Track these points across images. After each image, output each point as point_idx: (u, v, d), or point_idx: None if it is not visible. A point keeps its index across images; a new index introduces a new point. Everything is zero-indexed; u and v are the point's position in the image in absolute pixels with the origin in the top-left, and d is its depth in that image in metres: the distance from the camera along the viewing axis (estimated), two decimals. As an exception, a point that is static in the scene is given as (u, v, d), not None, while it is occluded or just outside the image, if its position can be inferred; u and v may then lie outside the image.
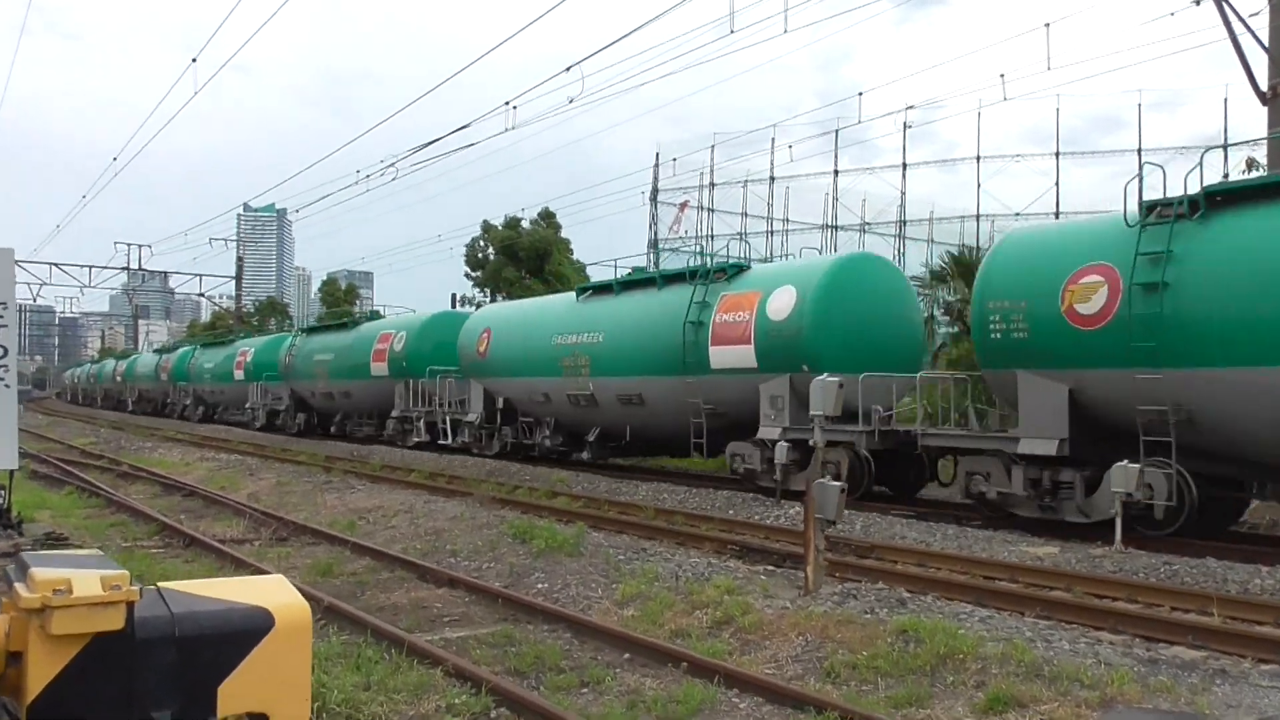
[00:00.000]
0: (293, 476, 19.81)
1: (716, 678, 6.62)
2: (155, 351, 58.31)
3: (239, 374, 39.43)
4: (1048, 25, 25.90)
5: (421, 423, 26.56)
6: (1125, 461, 11.84)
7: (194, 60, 21.78)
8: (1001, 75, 33.43)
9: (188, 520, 14.29)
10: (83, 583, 2.16)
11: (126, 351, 75.01)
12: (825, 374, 10.28)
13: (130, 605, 2.21)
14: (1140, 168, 16.87)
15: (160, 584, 2.43)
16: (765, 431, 16.30)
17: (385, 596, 9.44)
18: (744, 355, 16.82)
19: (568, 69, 16.57)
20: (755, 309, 16.75)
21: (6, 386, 4.16)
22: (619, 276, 21.77)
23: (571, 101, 18.15)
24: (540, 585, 9.82)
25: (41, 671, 2.13)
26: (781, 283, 16.80)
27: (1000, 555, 11.36)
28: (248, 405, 38.37)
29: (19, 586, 2.22)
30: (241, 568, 10.30)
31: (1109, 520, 12.34)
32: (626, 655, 7.41)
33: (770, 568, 10.83)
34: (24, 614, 2.16)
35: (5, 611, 2.31)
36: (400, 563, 10.77)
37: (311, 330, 37.36)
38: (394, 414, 28.05)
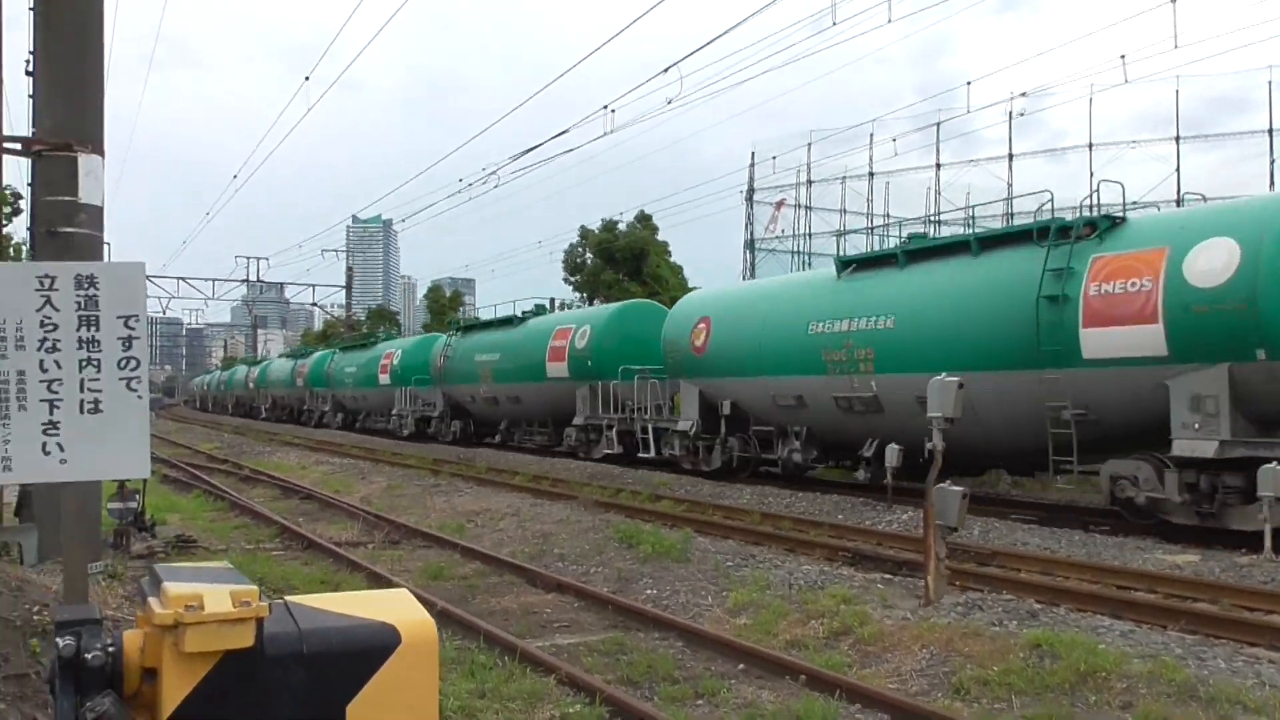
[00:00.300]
0: (402, 479, 20.25)
1: (838, 692, 6.36)
2: (289, 356, 55.86)
3: (384, 378, 36.19)
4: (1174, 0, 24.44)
5: (614, 432, 22.58)
6: (1276, 463, 11.04)
7: (307, 78, 22.59)
8: (1123, 56, 31.91)
9: (305, 523, 14.71)
10: (214, 598, 2.11)
11: (254, 358, 74.35)
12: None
13: (260, 621, 2.15)
14: (1271, 149, 15.25)
15: (289, 598, 2.37)
16: (1185, 446, 11.97)
17: (495, 601, 9.47)
18: (1144, 338, 12.44)
19: (665, 70, 16.47)
20: (1161, 273, 12.34)
21: (139, 397, 4.25)
22: (901, 244, 17.04)
23: (670, 103, 18.05)
24: (649, 591, 9.71)
25: (175, 690, 2.09)
26: (1208, 234, 12.14)
27: (1134, 564, 10.72)
28: (394, 412, 35.18)
29: (152, 601, 2.19)
30: (357, 571, 10.49)
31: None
32: (741, 666, 7.22)
33: (886, 575, 10.46)
34: (158, 630, 2.12)
35: (140, 626, 2.29)
36: (509, 567, 10.81)
37: (468, 328, 32.07)
38: (576, 421, 24.34)
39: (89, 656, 2.11)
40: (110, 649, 2.16)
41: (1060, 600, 8.94)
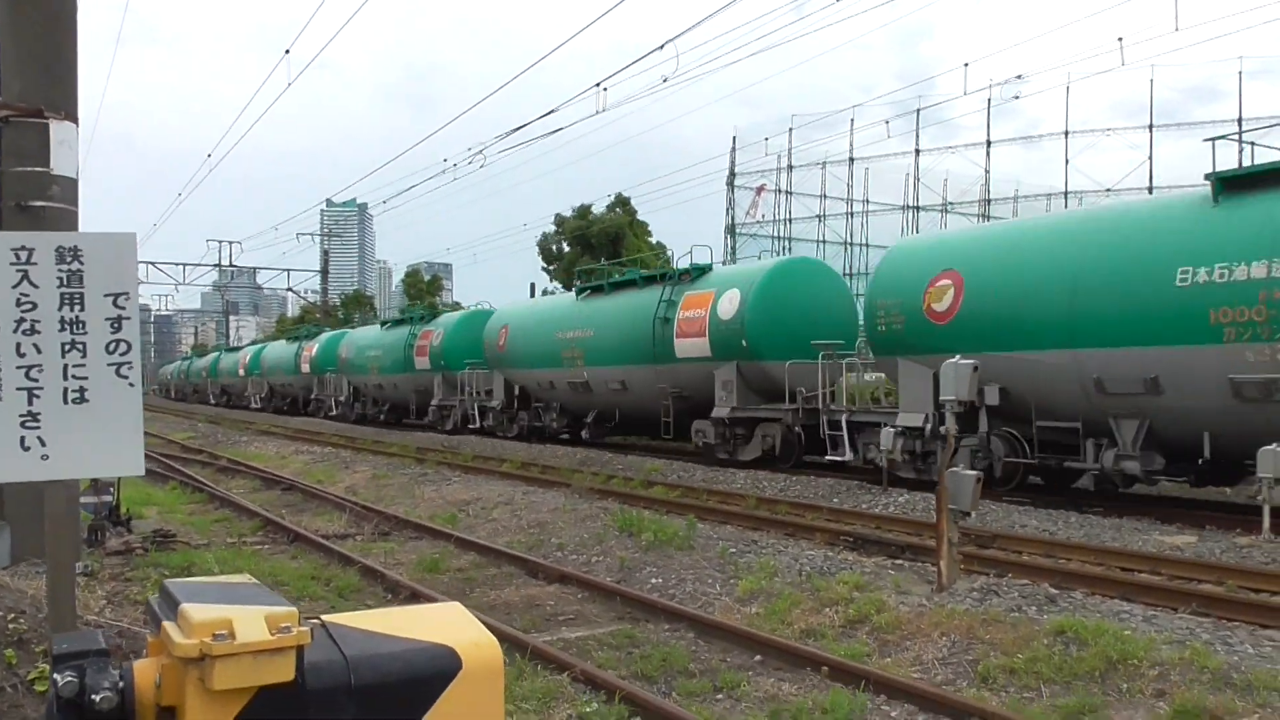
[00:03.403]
0: (387, 469, 19.85)
1: (863, 683, 6.12)
2: (290, 339, 48.58)
3: (421, 361, 31.53)
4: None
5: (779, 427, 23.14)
6: (1276, 445, 10.94)
7: (287, 52, 21.90)
8: (1120, 39, 31.79)
9: (289, 515, 14.31)
10: (246, 625, 1.79)
11: (228, 344, 69.56)
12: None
13: (300, 650, 1.83)
14: (1240, 138, 15.21)
15: (326, 618, 2.05)
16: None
17: (496, 594, 9.17)
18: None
19: (661, 47, 16.06)
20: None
21: (131, 385, 3.85)
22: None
23: (666, 80, 17.67)
24: (654, 580, 9.44)
25: (202, 732, 1.77)
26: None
27: (1134, 545, 10.60)
28: (434, 403, 30.80)
29: (169, 627, 1.87)
30: (349, 565, 10.15)
31: (1249, 506, 11.46)
32: (758, 657, 6.97)
33: (888, 559, 10.27)
34: (178, 663, 1.80)
35: (153, 654, 1.96)
36: (507, 558, 10.51)
37: (590, 289, 24.88)
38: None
39: (97, 699, 1.78)
40: (120, 686, 1.84)
41: (1073, 584, 8.77)
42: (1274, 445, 11.00)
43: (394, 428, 32.58)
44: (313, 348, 41.45)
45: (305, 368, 42.53)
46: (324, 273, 55.57)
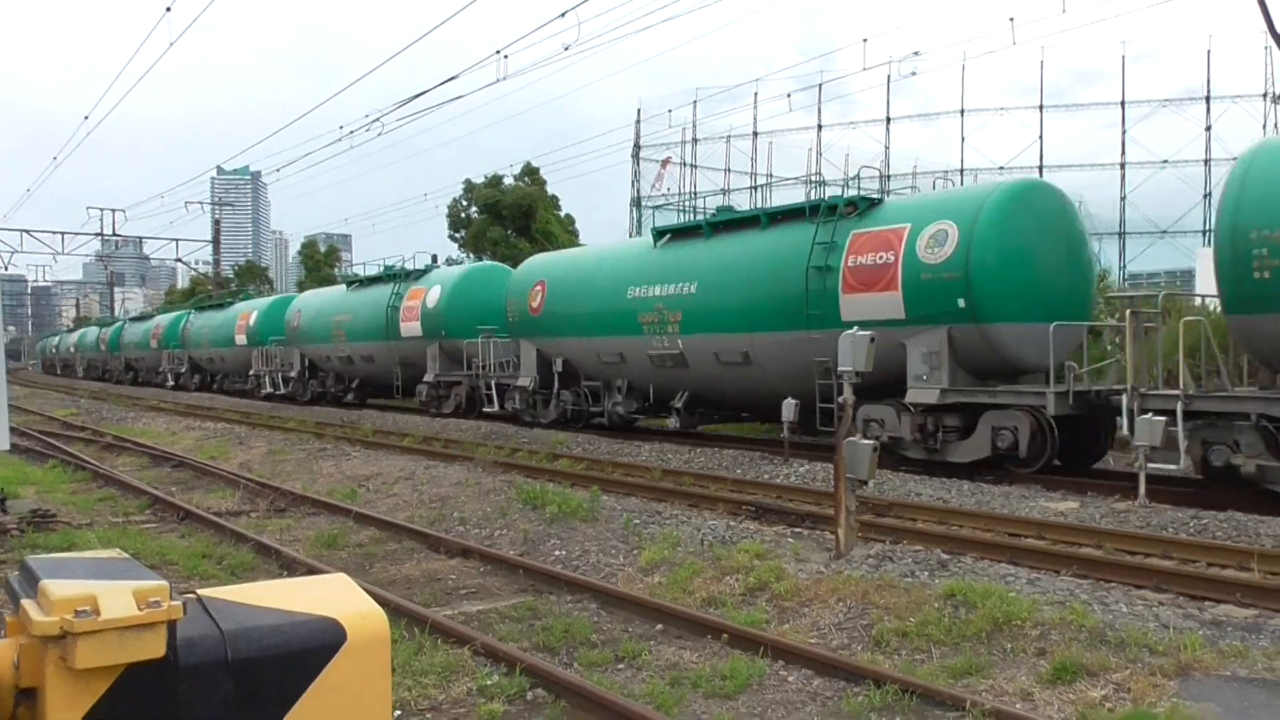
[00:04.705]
0: (284, 444, 19.29)
1: (762, 649, 6.24)
2: (215, 305, 42.78)
3: (409, 326, 26.57)
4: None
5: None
6: (1150, 414, 11.55)
7: (168, 9, 20.74)
8: (1011, 19, 32.71)
9: (179, 493, 13.78)
10: (112, 600, 1.69)
11: (110, 318, 66.97)
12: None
13: (172, 625, 1.74)
14: (1123, 120, 15.80)
15: (202, 592, 1.96)
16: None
17: (396, 569, 9.02)
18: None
19: (563, 14, 15.82)
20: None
21: (-9, 356, 3.60)
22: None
23: (567, 49, 17.43)
24: (557, 552, 9.43)
25: (63, 714, 1.67)
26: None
27: (1021, 512, 11.07)
28: (429, 379, 25.88)
29: (28, 605, 1.75)
30: (242, 542, 9.84)
31: (1126, 474, 12.08)
32: (659, 627, 7.04)
33: (789, 528, 10.49)
34: (37, 642, 1.69)
35: (11, 634, 1.84)
36: (408, 532, 10.34)
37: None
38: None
39: (-52, 680, 1.66)
40: (-26, 667, 1.72)
41: (964, 549, 9.11)
42: (1149, 414, 11.62)
43: (352, 408, 29.15)
44: (251, 315, 36.66)
45: (241, 339, 36.88)
46: (216, 243, 53.41)
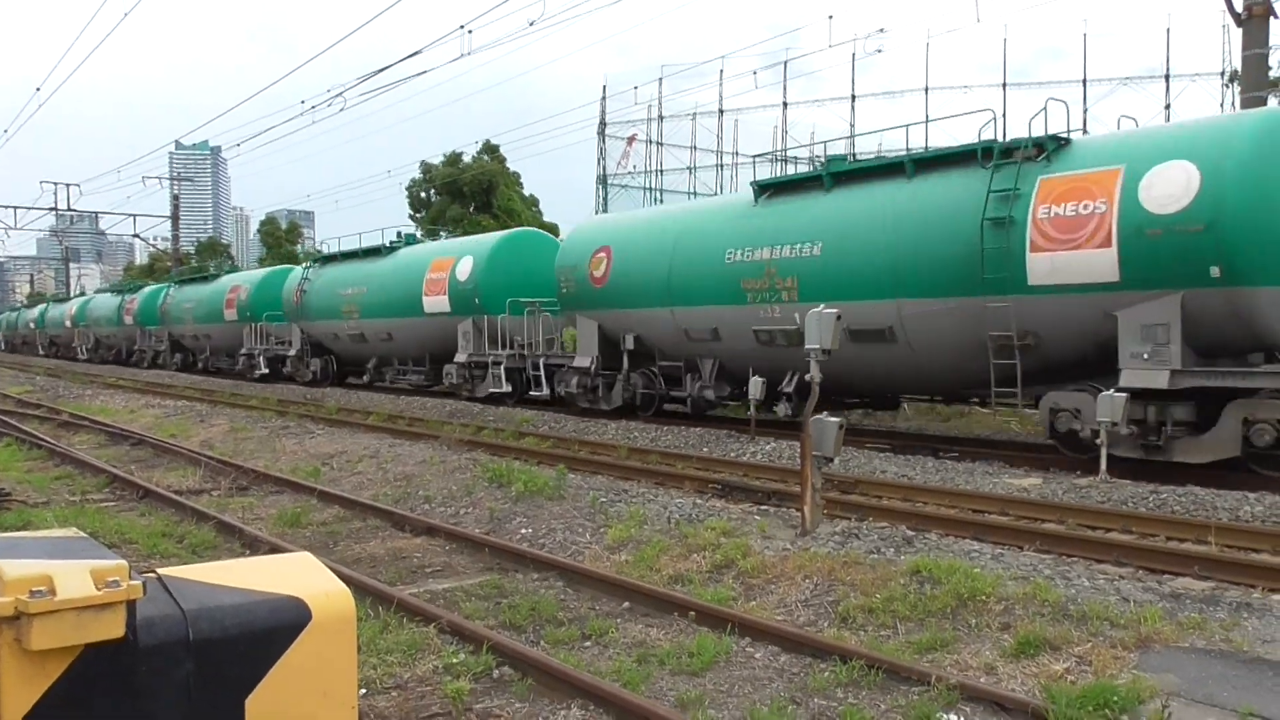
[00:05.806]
0: (246, 422, 19.04)
1: (729, 626, 6.27)
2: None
3: (434, 301, 24.06)
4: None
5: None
6: (1111, 391, 11.71)
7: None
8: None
9: (139, 471, 13.55)
10: (68, 580, 1.63)
11: (66, 294, 66.34)
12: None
13: (131, 605, 1.69)
14: (1085, 98, 15.61)
15: (163, 571, 1.91)
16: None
17: (360, 547, 8.94)
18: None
19: (529, -12, 15.53)
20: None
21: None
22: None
23: (533, 24, 17.22)
24: (523, 531, 9.40)
25: (19, 697, 1.61)
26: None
27: (985, 488, 11.21)
28: (460, 359, 22.96)
29: (-21, 584, 1.69)
30: (204, 521, 9.69)
31: (1090, 451, 12.23)
32: (626, 604, 7.04)
33: (755, 506, 10.54)
34: (-11, 622, 1.63)
35: (-38, 615, 1.77)
36: (372, 511, 10.26)
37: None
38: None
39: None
40: (-76, 648, 1.66)
41: (929, 526, 9.21)
42: (1111, 391, 11.77)
43: (361, 389, 27.09)
44: (243, 288, 34.38)
45: (231, 314, 34.57)
46: (175, 219, 52.38)
